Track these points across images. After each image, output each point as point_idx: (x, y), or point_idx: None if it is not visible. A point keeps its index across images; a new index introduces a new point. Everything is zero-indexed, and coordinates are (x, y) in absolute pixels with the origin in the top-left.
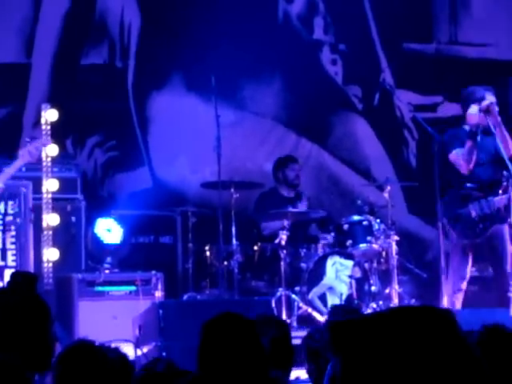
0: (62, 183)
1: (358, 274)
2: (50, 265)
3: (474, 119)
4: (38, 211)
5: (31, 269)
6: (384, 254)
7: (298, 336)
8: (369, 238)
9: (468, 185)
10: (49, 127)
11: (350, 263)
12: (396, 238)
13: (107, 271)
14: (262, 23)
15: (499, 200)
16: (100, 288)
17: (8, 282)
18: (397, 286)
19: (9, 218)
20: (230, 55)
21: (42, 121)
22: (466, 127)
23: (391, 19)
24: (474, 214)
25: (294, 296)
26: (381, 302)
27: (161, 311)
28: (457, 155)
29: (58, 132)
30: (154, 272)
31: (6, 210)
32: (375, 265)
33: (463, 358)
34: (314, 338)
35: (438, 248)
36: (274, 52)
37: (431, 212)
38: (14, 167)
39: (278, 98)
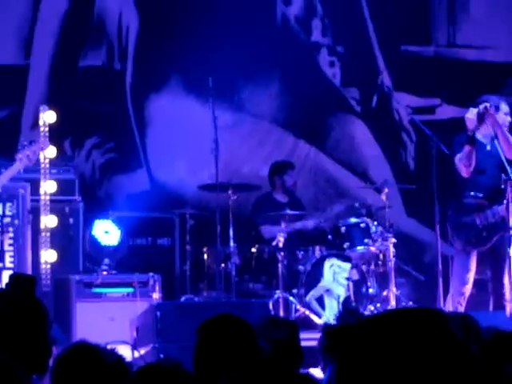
0: (59, 185)
1: (356, 277)
2: (48, 266)
3: (471, 123)
4: (35, 213)
5: (29, 270)
6: (381, 256)
7: None
8: (366, 241)
9: (472, 193)
10: (47, 129)
11: (347, 265)
12: (393, 240)
13: (105, 273)
14: (260, 25)
15: (503, 209)
16: (98, 290)
17: (6, 284)
18: (394, 289)
19: (7, 220)
20: (228, 57)
21: (40, 122)
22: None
23: (389, 21)
24: (478, 221)
25: (291, 298)
26: (378, 305)
27: (158, 313)
28: (458, 160)
29: (55, 134)
30: (151, 274)
31: (3, 211)
32: (373, 267)
33: (459, 357)
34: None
35: (436, 250)
36: (272, 54)
37: (429, 214)
38: (12, 170)
39: (275, 100)
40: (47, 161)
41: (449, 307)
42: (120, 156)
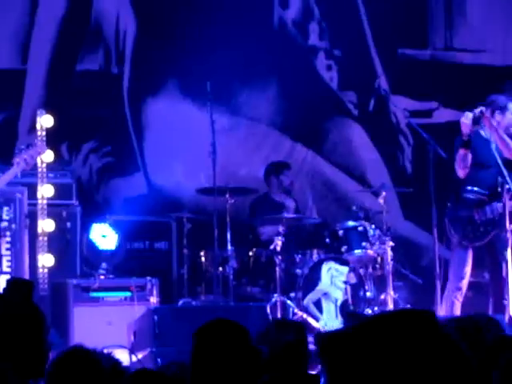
0: (57, 189)
1: (353, 280)
2: (45, 271)
3: (466, 128)
4: (33, 217)
5: (26, 275)
6: (379, 259)
7: None
8: (364, 244)
9: (474, 188)
10: (44, 133)
11: (345, 269)
12: (391, 243)
13: (102, 277)
14: (257, 29)
15: (502, 206)
16: (95, 294)
17: (4, 289)
18: (392, 292)
19: (4, 224)
20: (225, 61)
21: (38, 127)
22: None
23: (386, 25)
24: (476, 217)
25: (289, 302)
26: (376, 308)
27: (156, 317)
28: (455, 161)
29: (53, 138)
30: (149, 278)
31: (1, 215)
32: (370, 270)
33: (451, 357)
34: None
35: (434, 254)
36: (270, 58)
37: (426, 218)
38: (10, 175)
39: (273, 103)
40: (44, 165)
41: (445, 303)
42: (117, 160)
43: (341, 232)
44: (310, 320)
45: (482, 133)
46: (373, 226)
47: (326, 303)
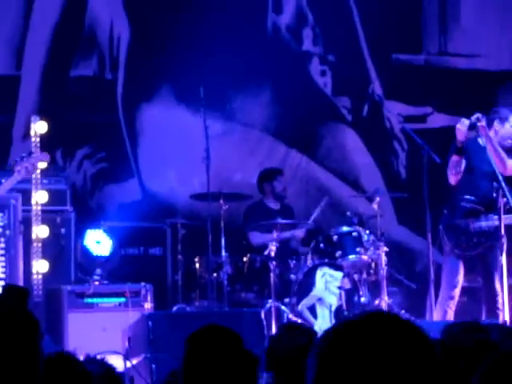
0: (51, 195)
1: (348, 286)
2: (40, 277)
3: (461, 134)
4: (27, 223)
5: (21, 281)
6: (373, 265)
7: None
8: (358, 249)
9: (470, 198)
10: (38, 139)
11: (339, 274)
12: (385, 248)
13: (97, 283)
14: (251, 35)
15: (498, 219)
16: (89, 300)
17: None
18: (386, 297)
19: None
20: (219, 67)
21: (32, 133)
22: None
23: (380, 30)
24: (471, 226)
25: (283, 307)
26: None
27: (150, 323)
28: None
29: (47, 144)
30: (143, 284)
31: None
32: (365, 276)
33: (427, 364)
34: None
35: (428, 259)
36: (263, 63)
37: (421, 223)
38: (10, 182)
39: (267, 109)
40: (38, 171)
41: (438, 312)
42: (111, 166)
43: (335, 237)
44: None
45: (480, 141)
46: (367, 232)
47: (320, 309)
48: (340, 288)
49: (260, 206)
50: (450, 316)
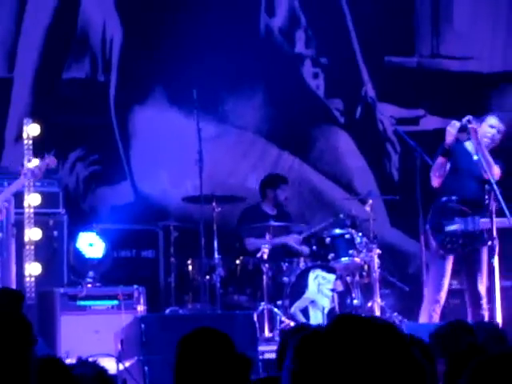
0: (44, 198)
1: (340, 288)
2: (32, 279)
3: (450, 136)
4: (19, 226)
5: (13, 284)
6: (366, 267)
7: None
8: (351, 252)
9: (457, 198)
10: (31, 142)
11: (332, 277)
12: (378, 251)
13: (89, 285)
14: (243, 37)
15: (485, 222)
16: (82, 302)
17: None
18: (379, 300)
19: None
20: (212, 69)
21: (24, 135)
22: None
23: (373, 32)
24: (458, 228)
25: (276, 310)
26: None
27: (143, 325)
28: (432, 168)
29: (39, 146)
30: (136, 286)
31: None
32: (357, 278)
33: (407, 366)
34: None
35: (420, 261)
36: (256, 66)
37: (413, 225)
38: (17, 185)
39: (259, 111)
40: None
41: (423, 316)
42: (104, 168)
43: (328, 240)
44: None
45: (467, 144)
46: (360, 234)
47: (313, 311)
48: (333, 290)
49: (256, 210)
50: (436, 320)
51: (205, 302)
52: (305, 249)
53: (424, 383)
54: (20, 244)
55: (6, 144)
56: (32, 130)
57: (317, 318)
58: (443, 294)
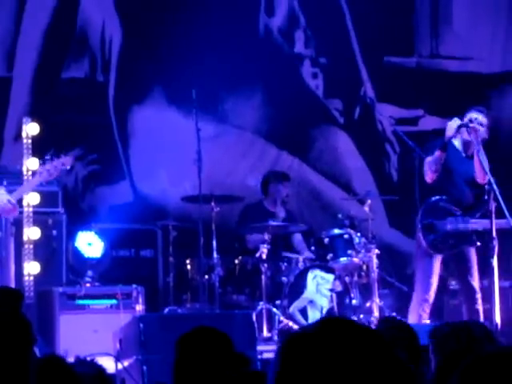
0: (42, 197)
1: (339, 288)
2: (31, 278)
3: (451, 131)
4: (18, 225)
5: (12, 283)
6: (365, 267)
7: None
8: (349, 252)
9: (448, 198)
10: (30, 141)
11: (330, 277)
12: (377, 251)
13: (88, 285)
14: (242, 37)
15: (475, 223)
16: (81, 301)
17: None
18: (377, 300)
19: None
20: (211, 69)
21: (23, 134)
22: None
23: (372, 32)
24: (449, 227)
25: (274, 310)
26: (361, 316)
27: (141, 325)
28: (427, 163)
29: (38, 146)
30: (134, 286)
31: None
32: (356, 278)
33: (391, 369)
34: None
35: None
36: (255, 65)
37: (412, 226)
38: (31, 184)
39: (258, 111)
40: (30, 173)
41: (412, 316)
42: (103, 168)
43: (326, 240)
44: (296, 328)
45: (454, 141)
46: (358, 234)
47: (311, 311)
48: (331, 290)
49: (259, 208)
50: (425, 319)
51: (203, 301)
52: (307, 254)
53: None
54: (19, 243)
55: (5, 143)
56: (31, 129)
57: (315, 318)
58: (432, 293)
